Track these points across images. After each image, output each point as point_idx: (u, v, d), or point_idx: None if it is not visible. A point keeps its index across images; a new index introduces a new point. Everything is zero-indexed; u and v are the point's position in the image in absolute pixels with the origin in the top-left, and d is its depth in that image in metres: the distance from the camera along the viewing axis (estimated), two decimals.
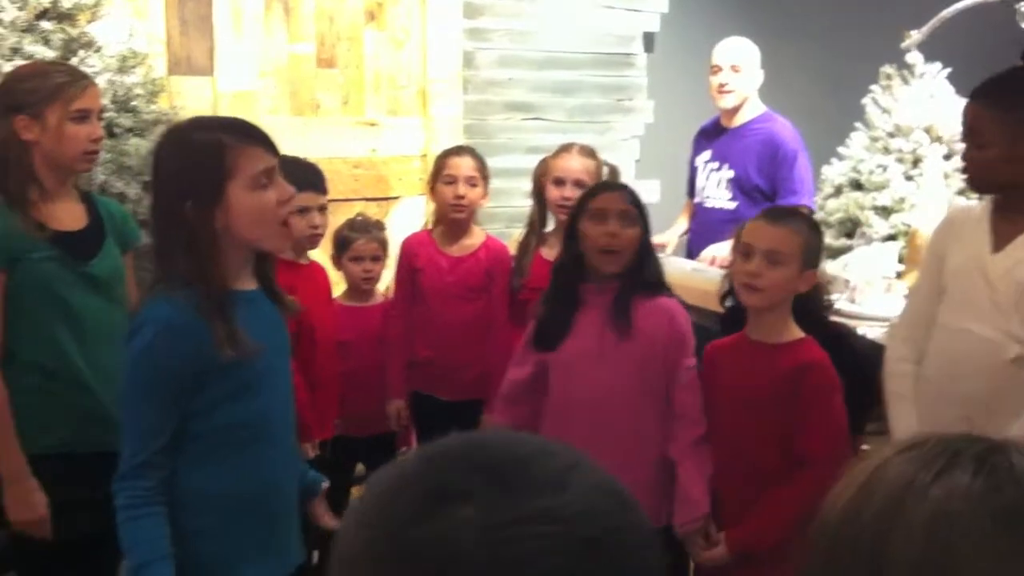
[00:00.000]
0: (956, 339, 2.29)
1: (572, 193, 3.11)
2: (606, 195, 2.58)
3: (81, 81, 2.39)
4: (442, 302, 3.23)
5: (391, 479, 0.69)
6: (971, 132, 2.29)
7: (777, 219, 2.42)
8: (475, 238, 3.29)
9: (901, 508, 0.77)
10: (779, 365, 2.34)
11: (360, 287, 3.23)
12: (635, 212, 2.52)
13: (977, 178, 2.34)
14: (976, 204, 2.46)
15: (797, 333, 2.40)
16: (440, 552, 0.63)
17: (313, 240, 2.97)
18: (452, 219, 3.24)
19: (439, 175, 3.25)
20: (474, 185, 3.21)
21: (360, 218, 3.33)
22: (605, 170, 3.29)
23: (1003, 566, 0.74)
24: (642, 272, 2.52)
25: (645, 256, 2.54)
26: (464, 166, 3.23)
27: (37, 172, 2.34)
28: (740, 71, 3.93)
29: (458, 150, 3.36)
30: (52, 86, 2.33)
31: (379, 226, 3.32)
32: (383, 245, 3.26)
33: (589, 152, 3.24)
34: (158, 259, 1.91)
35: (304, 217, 2.88)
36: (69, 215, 2.42)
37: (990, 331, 2.22)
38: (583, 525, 0.65)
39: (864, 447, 2.64)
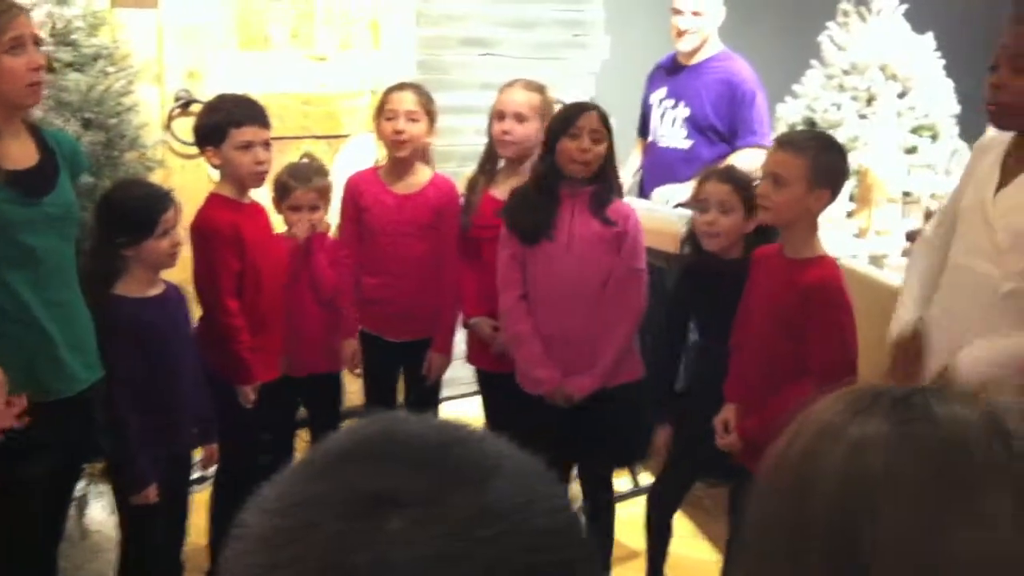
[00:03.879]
0: (957, 275, 2.35)
1: (511, 127, 3.09)
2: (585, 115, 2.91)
3: (8, 11, 2.32)
4: (391, 240, 3.21)
5: (299, 492, 0.61)
6: (1016, 55, 2.21)
7: (782, 143, 2.66)
8: (422, 175, 3.26)
9: (819, 448, 0.80)
10: (797, 279, 2.55)
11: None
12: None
13: (1007, 106, 2.24)
14: (1003, 136, 2.37)
15: (819, 251, 2.61)
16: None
17: (259, 177, 2.92)
18: (396, 156, 3.21)
19: (382, 111, 3.21)
20: (415, 120, 3.16)
21: (304, 162, 3.28)
22: (557, 108, 3.23)
23: (913, 499, 0.75)
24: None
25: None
26: (405, 100, 3.17)
27: None
28: (702, 14, 3.87)
29: (400, 85, 3.29)
30: None
31: (321, 172, 3.24)
32: (323, 194, 3.16)
33: (535, 87, 3.19)
34: None
35: (248, 152, 2.85)
36: (22, 152, 2.38)
37: (988, 267, 2.26)
38: (529, 516, 0.61)
39: None
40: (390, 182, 3.25)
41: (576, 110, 2.97)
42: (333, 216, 3.31)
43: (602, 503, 3.11)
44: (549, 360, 2.94)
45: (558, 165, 2.90)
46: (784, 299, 2.56)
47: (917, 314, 2.46)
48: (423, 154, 3.27)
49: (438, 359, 3.29)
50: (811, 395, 0.87)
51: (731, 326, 2.80)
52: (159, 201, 2.68)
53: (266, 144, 2.90)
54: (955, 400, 0.80)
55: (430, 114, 3.21)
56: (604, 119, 2.93)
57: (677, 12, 3.90)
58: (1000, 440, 0.77)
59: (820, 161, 2.53)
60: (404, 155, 3.20)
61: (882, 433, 0.78)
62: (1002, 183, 2.28)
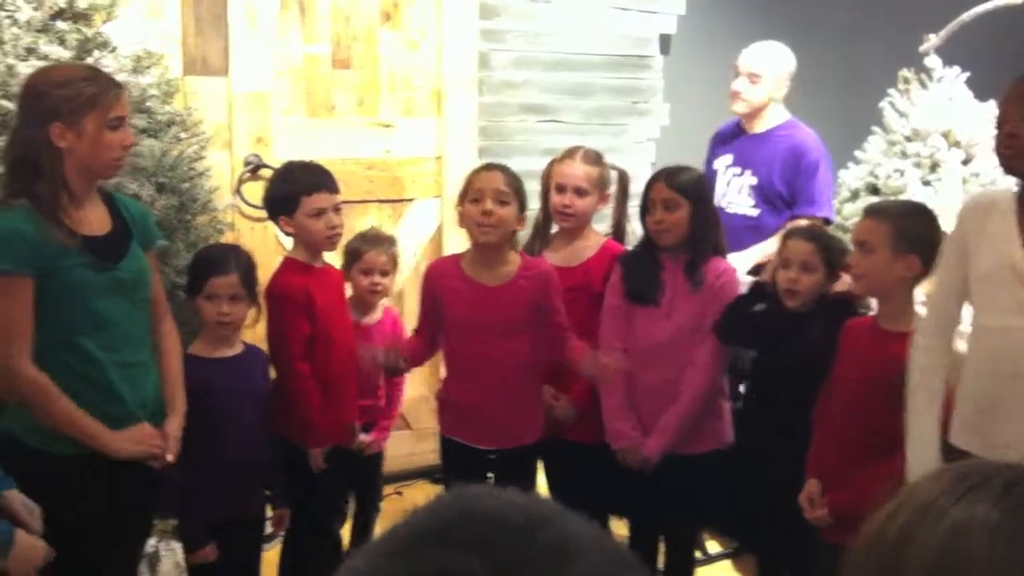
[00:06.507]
0: (999, 338, 2.28)
1: (571, 200, 3.07)
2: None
3: (114, 89, 2.40)
4: (477, 338, 2.91)
5: (382, 567, 0.62)
6: (1014, 109, 2.26)
7: (868, 211, 2.67)
8: (511, 264, 2.94)
9: (920, 526, 0.78)
10: (894, 351, 2.49)
11: (366, 299, 3.20)
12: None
13: (1017, 154, 2.27)
14: (1000, 193, 2.42)
15: (917, 323, 2.54)
16: None
17: (332, 242, 2.95)
18: (482, 243, 2.90)
19: (467, 194, 2.93)
20: (505, 203, 2.86)
21: (373, 231, 3.32)
22: (613, 174, 3.24)
23: None
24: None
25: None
26: (494, 180, 2.89)
27: (68, 178, 2.35)
28: (758, 81, 3.86)
29: (488, 166, 3.03)
30: (89, 94, 2.33)
31: (391, 241, 3.30)
32: (393, 260, 3.24)
33: (593, 158, 3.15)
34: None
35: (320, 218, 2.87)
36: (96, 219, 2.43)
37: None
38: None
39: None
40: (475, 273, 2.92)
41: (648, 184, 3.03)
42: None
43: (683, 566, 3.10)
44: (631, 416, 2.95)
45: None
46: (878, 372, 2.54)
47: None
48: (512, 241, 2.97)
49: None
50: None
51: (778, 380, 2.81)
52: (214, 266, 2.73)
53: (337, 209, 2.92)
54: None
55: (520, 197, 2.91)
56: (679, 186, 2.93)
57: (736, 74, 3.91)
58: None
59: (904, 226, 2.54)
60: (492, 241, 2.88)
61: (989, 519, 0.76)
62: None
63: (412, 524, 0.64)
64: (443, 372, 3.17)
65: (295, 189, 2.88)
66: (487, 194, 2.86)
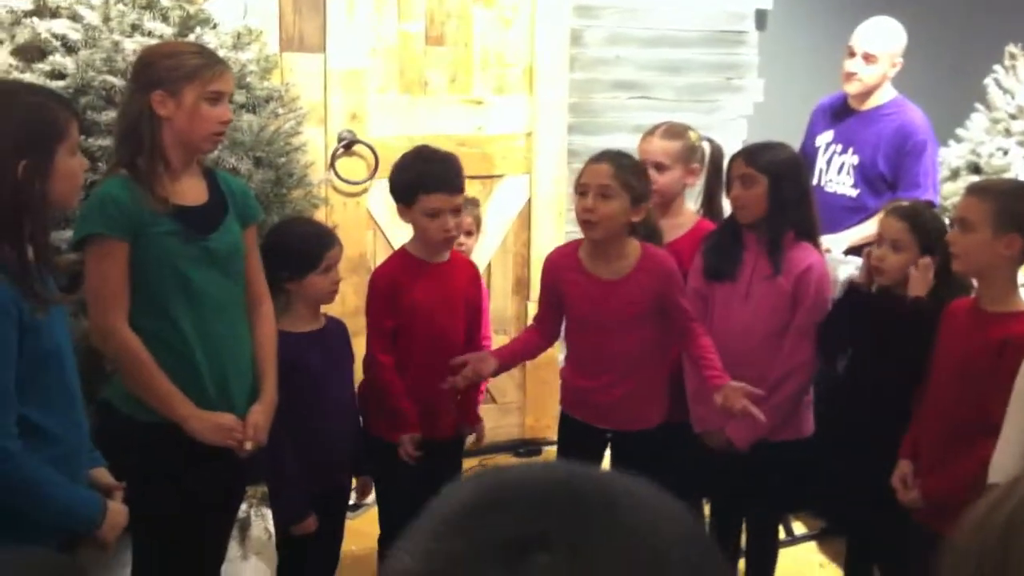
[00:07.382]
0: None
1: (653, 176, 2.98)
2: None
3: (218, 65, 2.46)
4: (597, 333, 2.86)
5: (447, 548, 0.61)
6: None
7: (970, 189, 2.62)
8: (630, 256, 2.82)
9: None
10: (992, 333, 2.46)
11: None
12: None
13: None
14: None
15: (1020, 305, 2.51)
16: None
17: (446, 244, 2.84)
18: (589, 237, 2.83)
19: (577, 185, 2.84)
20: (608, 196, 2.73)
21: None
22: (706, 147, 3.19)
23: None
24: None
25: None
26: (599, 173, 2.76)
27: (165, 148, 2.41)
28: (875, 61, 3.75)
29: (599, 156, 2.84)
30: (192, 66, 2.40)
31: (474, 202, 3.32)
32: (476, 221, 3.27)
33: (675, 133, 3.12)
34: None
35: (435, 220, 2.76)
36: (192, 191, 2.48)
37: None
38: (660, 527, 0.62)
39: None
40: (592, 266, 2.85)
41: (730, 160, 3.01)
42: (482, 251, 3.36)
43: (765, 548, 3.07)
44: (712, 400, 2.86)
45: None
46: (975, 354, 2.48)
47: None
48: (633, 227, 2.83)
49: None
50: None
51: (881, 365, 2.75)
52: (324, 238, 2.77)
53: (456, 210, 2.80)
54: None
55: (631, 189, 2.75)
56: (756, 162, 2.87)
57: (850, 53, 3.79)
58: None
59: (1007, 204, 2.47)
60: (596, 239, 2.80)
61: None
62: None
63: (458, 500, 0.64)
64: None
65: (414, 183, 2.79)
66: (590, 188, 2.76)
